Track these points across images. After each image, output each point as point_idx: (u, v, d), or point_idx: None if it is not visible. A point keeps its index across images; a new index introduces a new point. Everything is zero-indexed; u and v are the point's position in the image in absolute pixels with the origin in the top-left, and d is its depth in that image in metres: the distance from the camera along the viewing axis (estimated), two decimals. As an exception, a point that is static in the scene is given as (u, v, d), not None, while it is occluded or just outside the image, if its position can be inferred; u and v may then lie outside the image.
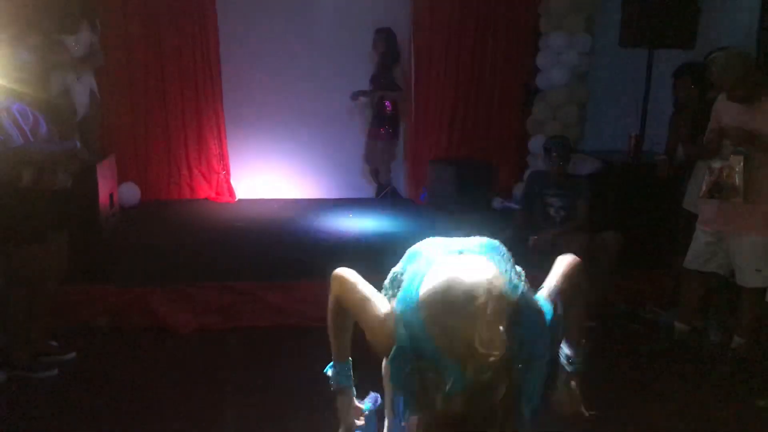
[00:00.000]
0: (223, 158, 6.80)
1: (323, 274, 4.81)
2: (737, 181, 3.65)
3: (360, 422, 2.00)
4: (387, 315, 1.59)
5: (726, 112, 3.80)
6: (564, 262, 1.90)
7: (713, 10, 5.45)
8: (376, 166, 6.79)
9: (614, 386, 3.79)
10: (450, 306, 1.37)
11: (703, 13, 5.34)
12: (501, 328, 1.32)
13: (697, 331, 4.29)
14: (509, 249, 1.92)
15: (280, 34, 6.67)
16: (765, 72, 3.79)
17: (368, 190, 6.99)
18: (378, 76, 6.56)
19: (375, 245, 5.09)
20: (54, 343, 3.94)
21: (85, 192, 4.41)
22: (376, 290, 1.81)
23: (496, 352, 1.29)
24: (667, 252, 4.76)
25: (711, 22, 5.44)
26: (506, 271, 1.54)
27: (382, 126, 6.53)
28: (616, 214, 5.20)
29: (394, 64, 6.54)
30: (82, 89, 5.47)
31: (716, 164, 3.75)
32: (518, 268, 1.77)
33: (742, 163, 3.63)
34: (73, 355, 3.91)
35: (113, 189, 4.97)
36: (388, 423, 2.10)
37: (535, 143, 6.49)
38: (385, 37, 6.53)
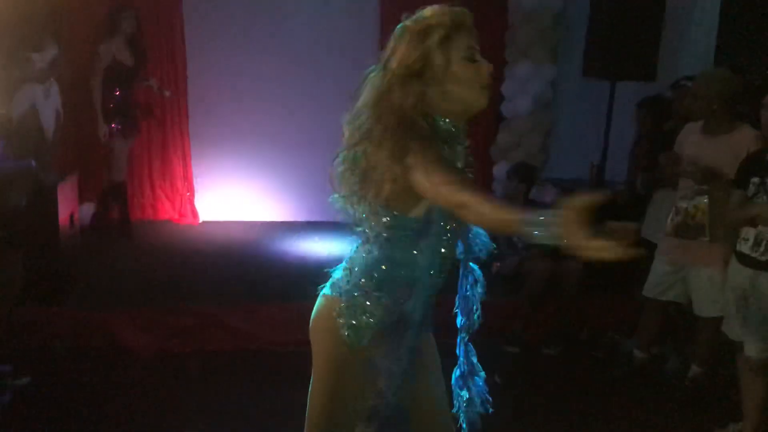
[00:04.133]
0: (188, 179, 6.76)
1: (286, 297, 4.84)
2: (704, 220, 3.68)
3: None
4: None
5: (689, 142, 3.84)
6: None
7: (672, 44, 5.61)
8: None
9: (574, 412, 3.82)
10: None
11: (662, 47, 5.48)
12: None
13: (656, 359, 4.35)
14: None
15: (246, 53, 6.67)
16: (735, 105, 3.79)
17: (334, 213, 6.92)
18: (132, 68, 5.79)
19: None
20: (7, 367, 3.83)
21: (44, 212, 4.33)
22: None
23: None
24: (627, 280, 4.83)
25: (670, 56, 5.59)
26: None
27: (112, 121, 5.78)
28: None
29: (142, 49, 5.91)
30: (50, 107, 5.41)
31: (683, 204, 3.77)
32: None
33: (706, 202, 3.67)
34: (27, 379, 3.82)
35: (74, 209, 4.89)
36: None
37: (499, 170, 6.57)
38: (135, 15, 5.79)
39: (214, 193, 6.86)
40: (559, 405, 3.91)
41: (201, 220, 6.78)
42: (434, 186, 1.72)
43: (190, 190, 6.76)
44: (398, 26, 1.90)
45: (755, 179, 3.31)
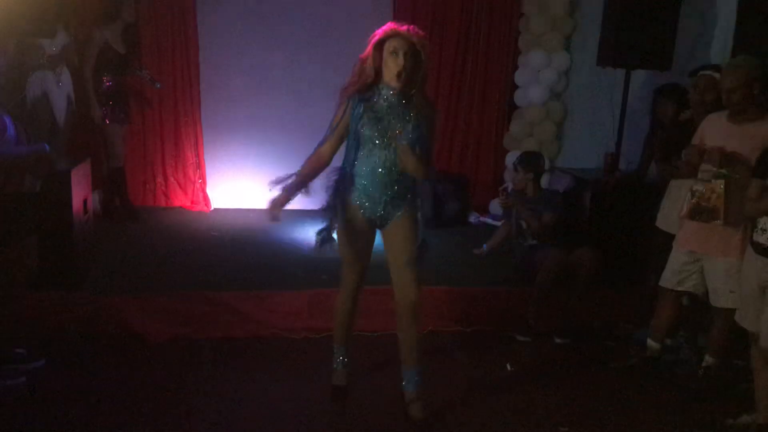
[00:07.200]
0: (200, 167, 6.77)
1: (298, 285, 4.87)
2: (719, 204, 3.66)
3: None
4: None
5: (711, 131, 3.79)
6: None
7: (688, 34, 5.53)
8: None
9: (587, 401, 3.81)
10: None
11: (678, 36, 5.42)
12: None
13: (669, 349, 4.33)
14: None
15: (259, 42, 6.66)
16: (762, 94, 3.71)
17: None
18: (124, 56, 5.84)
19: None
20: (21, 351, 3.86)
21: (58, 197, 4.33)
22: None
23: None
24: (640, 270, 4.81)
25: (686, 45, 5.52)
26: None
27: (104, 106, 5.82)
28: (590, 231, 5.24)
29: (137, 39, 6.05)
30: (62, 94, 5.43)
31: (699, 187, 3.73)
32: None
33: (723, 186, 3.64)
34: (41, 362, 3.84)
35: (87, 195, 4.90)
36: None
37: (512, 159, 6.55)
38: (136, 5, 5.86)
39: (226, 180, 6.88)
40: (571, 394, 3.90)
41: (213, 208, 6.80)
42: None
43: (202, 177, 6.78)
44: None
45: (775, 169, 3.28)
